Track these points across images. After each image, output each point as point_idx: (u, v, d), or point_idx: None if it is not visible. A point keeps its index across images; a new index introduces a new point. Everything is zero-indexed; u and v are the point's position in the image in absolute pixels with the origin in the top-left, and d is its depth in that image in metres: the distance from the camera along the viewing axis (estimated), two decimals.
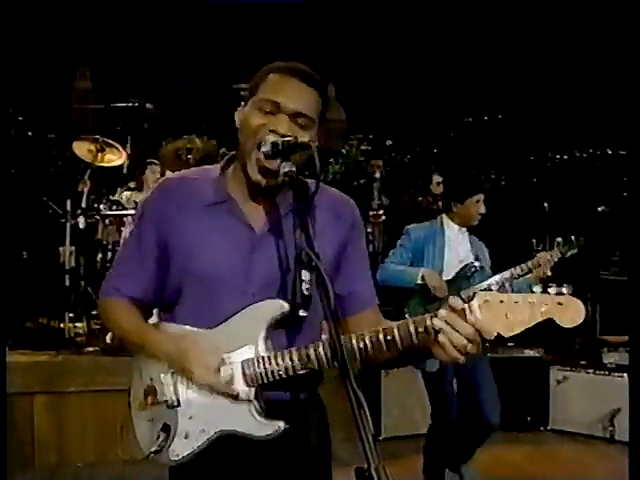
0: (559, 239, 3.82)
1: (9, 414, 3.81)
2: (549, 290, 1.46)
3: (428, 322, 1.50)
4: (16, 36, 6.93)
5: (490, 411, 3.73)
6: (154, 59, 8.27)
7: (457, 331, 1.47)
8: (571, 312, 1.45)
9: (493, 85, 9.44)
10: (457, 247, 3.84)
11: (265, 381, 1.60)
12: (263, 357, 1.60)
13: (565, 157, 10.31)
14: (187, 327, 1.69)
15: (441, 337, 1.48)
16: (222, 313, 1.64)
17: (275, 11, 8.44)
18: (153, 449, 1.66)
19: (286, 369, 1.58)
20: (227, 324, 1.64)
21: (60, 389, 4.59)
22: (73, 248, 5.44)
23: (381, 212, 7.09)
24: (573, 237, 3.83)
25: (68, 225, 5.38)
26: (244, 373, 1.61)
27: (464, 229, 3.86)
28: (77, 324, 5.28)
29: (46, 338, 5.17)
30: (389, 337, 1.52)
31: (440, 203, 6.77)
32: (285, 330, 1.65)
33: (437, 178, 7.16)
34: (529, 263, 3.74)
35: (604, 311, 6.38)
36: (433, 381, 3.80)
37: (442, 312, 1.49)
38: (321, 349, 1.57)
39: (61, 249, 5.58)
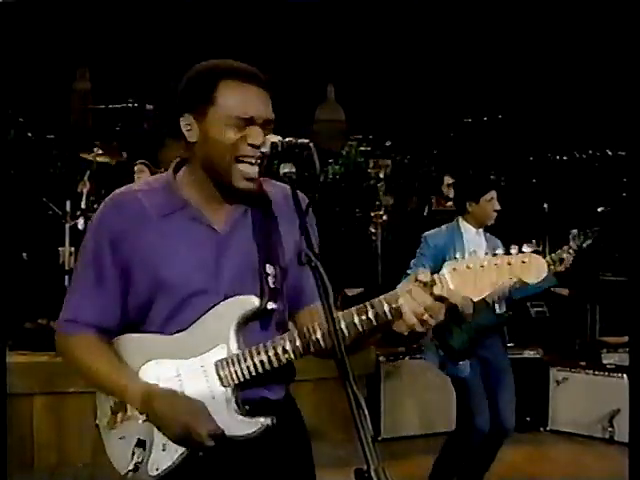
0: (574, 231, 3.78)
1: (9, 415, 3.81)
2: (511, 250, 1.53)
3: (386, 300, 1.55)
4: (16, 37, 6.94)
5: (507, 417, 3.75)
6: (154, 60, 8.27)
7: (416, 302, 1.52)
8: (534, 268, 1.53)
9: (493, 86, 9.44)
10: (477, 250, 3.79)
11: (242, 378, 1.59)
12: (236, 355, 1.59)
13: (565, 158, 10.31)
14: (154, 335, 1.64)
15: (402, 303, 1.54)
16: (194, 317, 1.63)
17: (275, 12, 8.45)
18: (130, 467, 1.61)
19: (261, 364, 1.58)
20: (197, 325, 1.62)
21: (60, 390, 4.59)
22: (73, 249, 5.44)
23: (381, 212, 7.10)
24: (588, 229, 3.78)
25: (68, 226, 5.38)
26: (218, 374, 1.60)
27: (481, 230, 3.83)
28: None
29: (46, 339, 5.14)
30: (363, 317, 1.55)
31: (451, 204, 6.81)
32: (256, 325, 1.65)
33: (448, 179, 7.16)
34: (548, 259, 3.70)
35: (604, 312, 6.38)
36: (462, 386, 3.77)
37: (411, 286, 1.55)
38: (294, 340, 1.58)
39: (61, 250, 5.59)
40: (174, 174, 1.71)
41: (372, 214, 7.02)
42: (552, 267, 3.70)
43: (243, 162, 1.59)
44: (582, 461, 4.77)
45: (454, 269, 1.53)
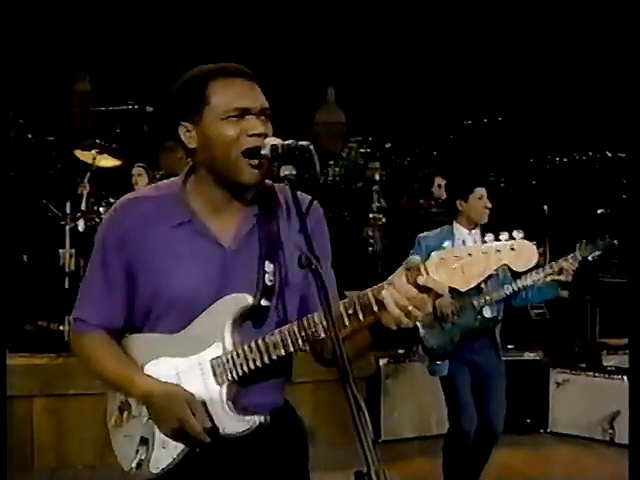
0: (583, 241, 3.69)
1: (9, 417, 3.81)
2: (500, 237, 1.46)
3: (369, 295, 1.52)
4: (16, 39, 6.94)
5: (496, 422, 3.75)
6: (154, 62, 8.28)
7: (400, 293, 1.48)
8: (524, 256, 1.46)
9: (493, 88, 9.45)
10: None
11: (235, 376, 1.60)
12: (230, 352, 1.60)
13: (565, 160, 10.32)
14: (154, 335, 1.67)
15: (384, 294, 1.50)
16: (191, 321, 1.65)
17: (275, 14, 8.45)
18: (134, 464, 1.65)
19: (253, 361, 1.58)
20: (193, 325, 1.64)
21: (60, 392, 4.59)
22: (73, 251, 5.44)
23: (380, 215, 7.10)
24: (598, 238, 3.63)
25: (68, 228, 5.38)
26: (214, 372, 1.61)
27: (474, 231, 3.78)
28: None
29: (46, 341, 5.17)
30: (350, 310, 1.52)
31: (441, 205, 6.80)
32: (252, 323, 1.65)
33: (439, 180, 7.16)
34: (547, 268, 3.61)
35: (604, 314, 6.38)
36: (448, 386, 3.79)
37: (395, 279, 1.51)
38: (286, 332, 1.57)
39: (61, 252, 5.58)
40: (184, 183, 1.70)
41: (370, 216, 7.03)
42: (550, 276, 3.62)
43: (248, 157, 1.59)
44: (582, 463, 4.77)
45: (441, 258, 1.48)
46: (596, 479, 4.51)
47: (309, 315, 1.57)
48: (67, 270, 5.37)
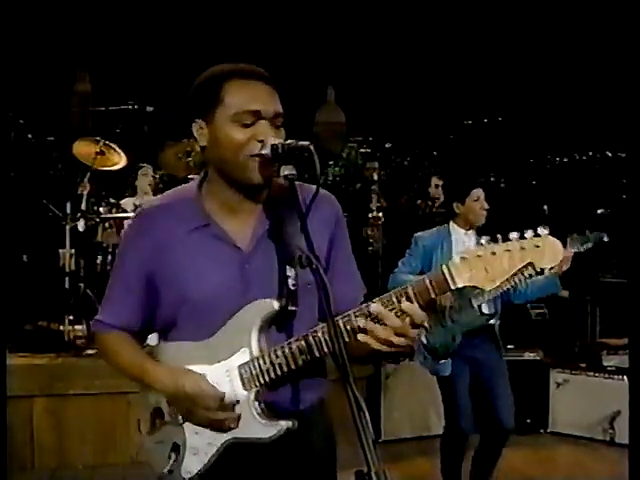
0: (574, 235, 3.73)
1: (9, 417, 3.81)
2: (525, 234, 1.42)
3: (353, 320, 1.51)
4: (16, 39, 6.94)
5: (505, 418, 3.72)
6: (154, 62, 8.28)
7: (385, 324, 1.46)
8: (549, 252, 1.42)
9: (493, 88, 9.44)
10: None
11: (262, 382, 1.60)
12: (257, 358, 1.60)
13: (565, 160, 10.32)
14: (184, 343, 1.69)
15: (361, 336, 1.49)
16: (219, 327, 1.66)
17: (275, 14, 8.45)
18: (166, 470, 1.69)
19: (279, 366, 1.58)
20: (220, 332, 1.64)
21: (60, 392, 4.60)
22: (73, 251, 5.44)
23: (380, 215, 7.10)
24: (587, 231, 3.66)
25: (68, 228, 5.38)
26: (241, 377, 1.62)
27: (470, 232, 3.79)
28: (77, 327, 5.27)
29: (46, 341, 5.17)
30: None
31: (437, 205, 6.82)
32: (278, 328, 1.65)
33: (436, 181, 7.16)
34: None
35: (604, 314, 6.38)
36: (446, 385, 3.77)
37: (373, 306, 1.49)
38: (311, 338, 1.56)
39: (61, 252, 5.58)
40: (199, 186, 1.71)
41: (370, 215, 7.03)
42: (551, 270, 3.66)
43: (256, 159, 1.59)
44: (582, 463, 4.77)
45: (463, 258, 1.44)
46: (596, 479, 4.51)
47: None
48: (67, 270, 5.37)
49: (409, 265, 3.74)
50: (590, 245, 3.64)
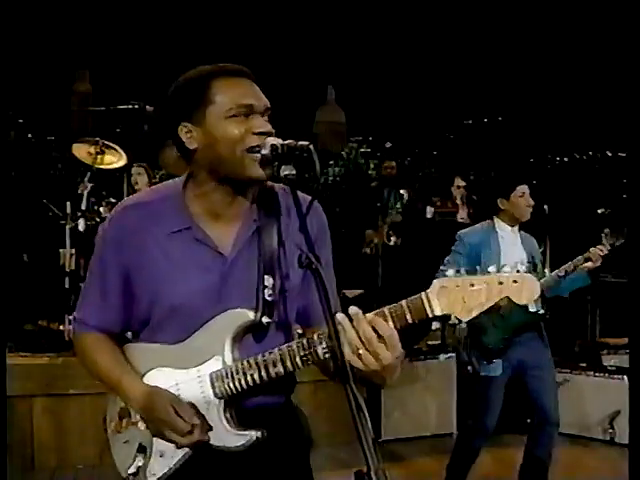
0: (606, 230, 3.77)
1: (9, 416, 3.80)
2: (504, 269, 1.44)
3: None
4: (16, 39, 6.94)
5: (552, 413, 3.75)
6: (154, 62, 8.28)
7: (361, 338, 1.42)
8: (526, 289, 1.44)
9: (493, 87, 9.45)
10: (512, 249, 3.76)
11: (233, 390, 1.59)
12: (230, 368, 1.60)
13: (565, 159, 10.33)
14: (155, 345, 1.67)
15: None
16: (192, 333, 1.64)
17: (275, 13, 8.45)
18: (131, 471, 1.66)
19: (252, 378, 1.58)
20: (194, 337, 1.63)
21: (60, 392, 4.59)
22: (73, 250, 5.43)
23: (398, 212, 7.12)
24: (624, 227, 3.75)
25: (68, 227, 5.38)
26: (212, 384, 1.61)
27: (516, 228, 3.79)
28: None
29: (46, 341, 5.17)
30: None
31: (463, 207, 6.86)
32: (252, 338, 1.64)
33: (459, 181, 7.18)
34: (580, 258, 3.73)
35: (604, 313, 6.38)
36: (484, 384, 3.74)
37: (352, 309, 1.45)
38: (285, 349, 1.56)
39: (61, 251, 5.58)
40: (184, 186, 1.68)
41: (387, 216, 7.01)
42: (581, 265, 3.74)
43: (254, 152, 1.57)
44: (583, 463, 4.77)
45: (442, 287, 1.45)
46: (596, 479, 4.50)
47: (310, 335, 1.55)
48: (67, 270, 5.36)
49: (456, 263, 3.58)
50: (623, 240, 3.72)
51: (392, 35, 8.87)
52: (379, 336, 1.42)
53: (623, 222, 3.81)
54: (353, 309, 1.45)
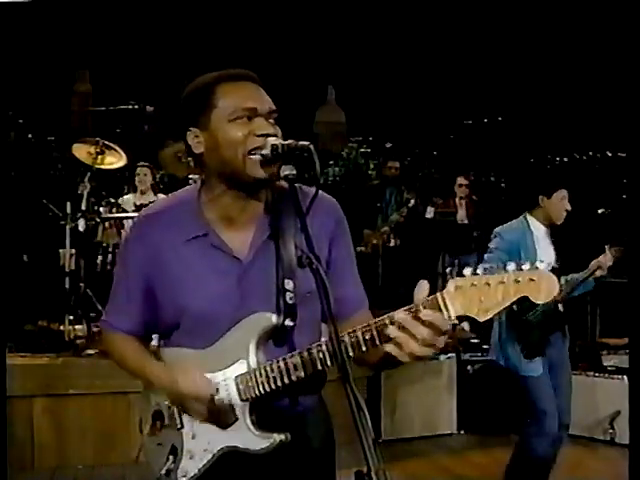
0: (607, 247, 3.77)
1: (9, 417, 3.81)
2: (522, 267, 1.39)
3: (373, 330, 1.47)
4: (16, 39, 6.94)
5: (566, 414, 3.71)
6: (154, 62, 8.29)
7: (413, 335, 1.41)
8: (544, 287, 1.38)
9: (493, 88, 9.45)
10: (546, 249, 3.74)
11: (258, 394, 1.60)
12: (254, 371, 1.61)
13: (565, 159, 10.33)
14: (184, 350, 1.70)
15: (388, 347, 1.44)
16: (220, 335, 1.66)
17: (276, 14, 8.45)
18: (163, 471, 1.71)
19: (274, 380, 1.58)
20: (220, 342, 1.65)
21: (60, 392, 4.59)
22: (73, 250, 5.43)
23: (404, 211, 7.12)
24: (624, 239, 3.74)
25: (68, 227, 5.38)
26: (238, 389, 1.62)
27: (549, 230, 3.77)
28: (77, 327, 5.27)
29: (46, 341, 5.17)
30: (367, 336, 1.48)
31: (462, 207, 6.87)
32: (277, 341, 1.65)
33: (462, 180, 7.17)
34: (592, 264, 3.73)
35: (604, 313, 6.38)
36: (534, 388, 3.65)
37: (399, 315, 1.43)
38: (306, 354, 1.55)
39: (61, 251, 5.59)
40: (199, 192, 1.71)
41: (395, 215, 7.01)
42: (594, 273, 3.73)
43: (255, 154, 1.58)
44: (583, 463, 4.76)
45: (458, 286, 1.41)
46: (596, 479, 4.50)
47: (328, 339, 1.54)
48: (67, 270, 5.36)
49: (497, 259, 3.52)
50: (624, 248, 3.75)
51: (392, 35, 8.88)
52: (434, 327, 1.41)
53: (622, 234, 3.82)
54: (398, 315, 1.43)
